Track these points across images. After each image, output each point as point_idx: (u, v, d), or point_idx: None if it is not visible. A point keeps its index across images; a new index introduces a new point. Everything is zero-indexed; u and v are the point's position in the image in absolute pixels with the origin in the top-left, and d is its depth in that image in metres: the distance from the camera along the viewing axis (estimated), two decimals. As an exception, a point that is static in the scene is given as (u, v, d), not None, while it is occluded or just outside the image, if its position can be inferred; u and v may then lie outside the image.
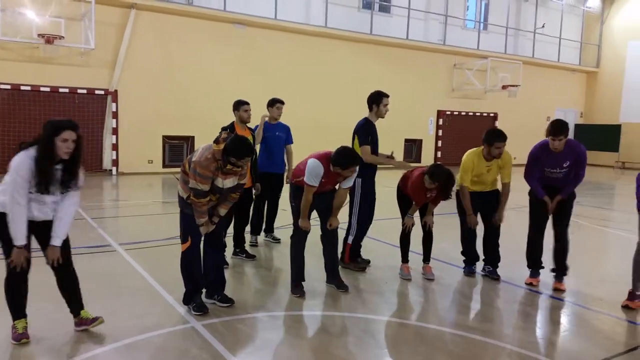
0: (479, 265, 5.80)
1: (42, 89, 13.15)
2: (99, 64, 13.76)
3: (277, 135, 6.60)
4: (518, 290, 5.30)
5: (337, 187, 4.94)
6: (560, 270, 5.33)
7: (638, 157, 21.96)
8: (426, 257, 5.67)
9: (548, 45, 23.00)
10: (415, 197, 5.29)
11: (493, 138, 5.26)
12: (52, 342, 3.72)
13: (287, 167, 6.79)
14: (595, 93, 24.57)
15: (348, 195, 5.17)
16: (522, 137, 21.75)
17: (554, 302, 5.02)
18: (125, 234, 7.25)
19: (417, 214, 5.56)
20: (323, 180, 4.66)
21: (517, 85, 20.30)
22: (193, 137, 15.20)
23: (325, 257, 5.13)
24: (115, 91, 14.00)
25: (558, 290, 5.23)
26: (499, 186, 5.63)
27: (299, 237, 4.94)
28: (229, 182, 4.21)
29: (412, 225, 5.50)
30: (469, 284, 5.56)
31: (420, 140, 19.99)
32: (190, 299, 4.37)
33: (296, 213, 4.88)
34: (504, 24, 21.66)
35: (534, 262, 5.45)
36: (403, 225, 5.52)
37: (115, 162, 14.17)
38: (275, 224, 7.02)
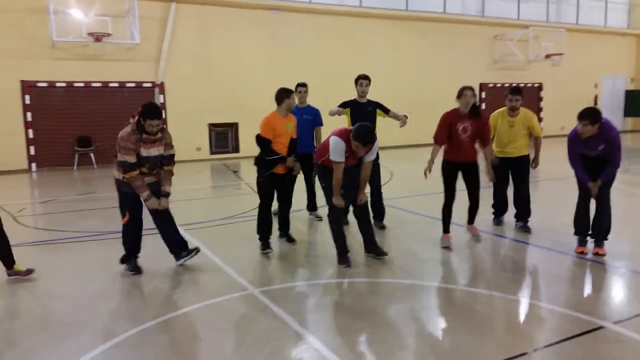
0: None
1: (93, 84, 13.85)
2: (144, 58, 14.31)
3: (304, 118, 6.76)
4: (560, 257, 5.39)
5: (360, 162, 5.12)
6: (599, 235, 5.31)
7: None
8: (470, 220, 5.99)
9: (593, 9, 22.13)
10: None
11: (509, 92, 6.08)
12: (135, 301, 4.13)
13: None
14: (647, 57, 23.53)
15: None
16: (569, 106, 21.26)
17: (596, 265, 5.09)
18: (183, 216, 7.67)
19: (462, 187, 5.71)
20: (346, 155, 4.85)
21: (561, 54, 19.72)
22: (237, 124, 15.66)
23: (361, 229, 5.38)
24: (162, 83, 14.57)
25: (598, 254, 5.24)
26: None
27: (336, 215, 5.16)
28: (154, 151, 4.78)
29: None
30: (507, 249, 5.69)
31: (463, 115, 19.77)
32: (127, 261, 5.01)
33: (329, 192, 5.08)
34: (545, -9, 20.99)
35: (580, 230, 5.44)
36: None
37: (166, 151, 14.77)
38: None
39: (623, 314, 3.90)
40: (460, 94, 5.58)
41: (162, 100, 14.60)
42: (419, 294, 4.40)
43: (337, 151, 4.81)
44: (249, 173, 11.90)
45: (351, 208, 5.45)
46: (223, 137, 15.73)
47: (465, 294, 4.39)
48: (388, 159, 14.02)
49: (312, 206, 7.21)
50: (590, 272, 4.96)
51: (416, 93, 17.99)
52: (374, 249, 5.32)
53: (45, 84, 13.45)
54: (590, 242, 5.40)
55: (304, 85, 7.08)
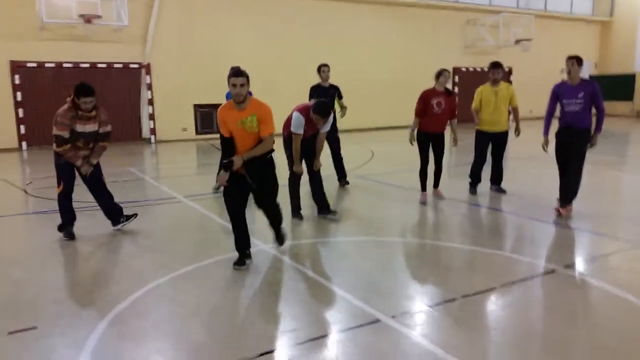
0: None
1: (81, 65, 14.17)
2: (131, 39, 14.67)
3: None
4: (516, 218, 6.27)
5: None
6: (566, 197, 6.08)
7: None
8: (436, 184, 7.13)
9: (560, -2, 23.19)
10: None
11: (490, 67, 7.16)
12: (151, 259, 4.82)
13: None
14: (609, 43, 24.76)
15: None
16: (537, 90, 22.40)
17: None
18: (182, 189, 8.30)
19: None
20: (305, 128, 5.69)
21: (530, 39, 20.71)
22: (221, 105, 16.14)
23: (314, 193, 6.23)
24: (148, 64, 14.96)
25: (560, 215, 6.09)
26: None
27: (294, 179, 6.11)
28: (89, 127, 5.29)
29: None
30: (478, 213, 6.57)
31: (437, 98, 20.67)
32: (62, 228, 5.53)
33: (290, 160, 5.96)
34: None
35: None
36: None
37: (153, 131, 15.25)
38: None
39: (569, 260, 4.77)
40: (440, 74, 6.74)
41: (148, 81, 15.00)
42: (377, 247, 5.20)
43: (297, 124, 5.66)
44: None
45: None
46: (208, 117, 16.21)
47: (429, 245, 5.20)
48: (369, 140, 14.89)
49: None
50: (536, 230, 5.84)
51: (393, 76, 18.75)
52: (325, 210, 6.19)
53: (34, 65, 13.73)
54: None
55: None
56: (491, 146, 7.38)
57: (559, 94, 6.09)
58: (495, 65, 7.10)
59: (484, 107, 7.19)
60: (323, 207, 6.24)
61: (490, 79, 7.16)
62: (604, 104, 6.00)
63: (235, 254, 4.58)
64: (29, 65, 13.68)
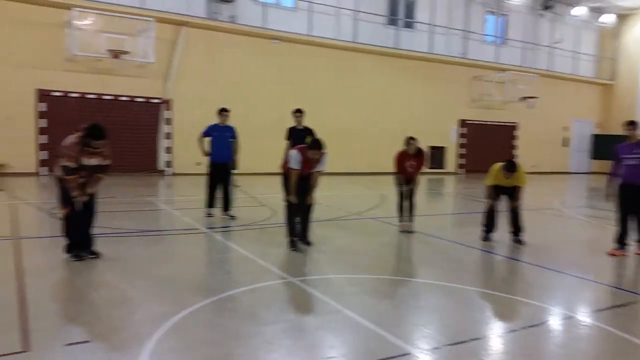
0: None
1: (105, 97, 14.70)
2: (154, 75, 15.27)
3: (225, 135, 8.88)
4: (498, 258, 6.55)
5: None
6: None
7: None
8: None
9: (564, 59, 24.12)
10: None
11: (505, 169, 7.33)
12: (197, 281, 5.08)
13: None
14: (611, 105, 25.57)
15: None
16: (541, 145, 23.10)
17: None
18: (202, 220, 8.60)
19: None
20: (302, 165, 6.41)
21: (535, 97, 21.44)
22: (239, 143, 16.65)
23: (301, 223, 6.85)
24: (169, 100, 15.51)
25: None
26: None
27: (290, 209, 6.73)
28: (94, 161, 5.60)
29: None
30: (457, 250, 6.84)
31: (444, 147, 21.24)
32: (69, 249, 5.78)
33: (286, 191, 6.64)
34: (521, 39, 22.86)
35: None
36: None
37: (169, 164, 15.65)
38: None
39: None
40: (408, 143, 7.93)
41: (167, 116, 15.52)
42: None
43: (295, 160, 6.43)
44: (252, 187, 12.91)
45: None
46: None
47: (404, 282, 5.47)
48: (379, 184, 15.28)
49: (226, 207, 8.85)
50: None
51: (400, 124, 19.28)
52: (305, 240, 6.88)
53: (59, 94, 14.25)
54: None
55: (227, 110, 9.03)
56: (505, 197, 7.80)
57: (619, 151, 7.08)
58: (511, 169, 7.28)
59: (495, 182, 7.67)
60: (303, 234, 6.89)
61: (503, 175, 7.38)
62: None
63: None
64: (54, 94, 14.19)
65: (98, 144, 5.45)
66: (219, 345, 3.73)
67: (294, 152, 6.48)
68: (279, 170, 6.91)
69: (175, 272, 5.61)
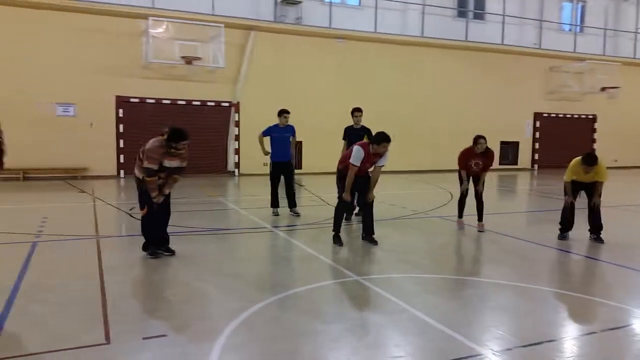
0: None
1: (178, 102, 15.37)
2: (224, 79, 15.77)
3: (285, 136, 9.11)
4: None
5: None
6: None
7: None
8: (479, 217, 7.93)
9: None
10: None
11: (584, 163, 6.92)
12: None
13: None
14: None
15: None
16: (623, 138, 21.59)
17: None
18: (268, 219, 8.79)
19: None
20: (364, 161, 6.44)
21: (616, 87, 20.11)
22: (301, 142, 16.85)
23: (364, 220, 6.93)
24: (238, 103, 15.98)
25: None
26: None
27: (341, 205, 6.82)
28: (175, 163, 5.79)
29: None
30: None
31: (517, 143, 20.40)
32: (147, 248, 6.04)
33: (341, 189, 6.67)
34: (602, 26, 21.50)
35: None
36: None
37: (237, 165, 16.13)
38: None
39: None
40: (476, 142, 7.71)
41: (236, 119, 15.98)
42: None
43: (356, 157, 6.44)
44: (316, 186, 13.04)
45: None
46: (289, 154, 16.92)
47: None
48: (447, 182, 14.93)
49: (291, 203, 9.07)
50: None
51: (470, 120, 18.71)
52: (369, 237, 6.87)
53: (136, 100, 15.05)
54: None
55: (288, 111, 9.21)
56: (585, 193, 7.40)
57: None
58: (591, 163, 6.88)
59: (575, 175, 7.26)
60: (369, 233, 6.90)
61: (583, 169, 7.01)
62: None
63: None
64: (132, 100, 15.01)
65: (181, 145, 5.67)
66: (286, 341, 3.81)
67: (357, 148, 6.46)
68: (337, 169, 6.91)
69: (243, 269, 5.79)
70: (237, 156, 16.17)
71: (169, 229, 6.30)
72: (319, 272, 5.69)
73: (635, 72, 21.64)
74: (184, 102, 15.42)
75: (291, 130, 9.22)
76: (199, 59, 14.71)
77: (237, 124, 16.06)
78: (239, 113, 16.06)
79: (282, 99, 16.33)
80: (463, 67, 19.00)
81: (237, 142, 16.09)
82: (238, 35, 15.83)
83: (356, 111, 9.01)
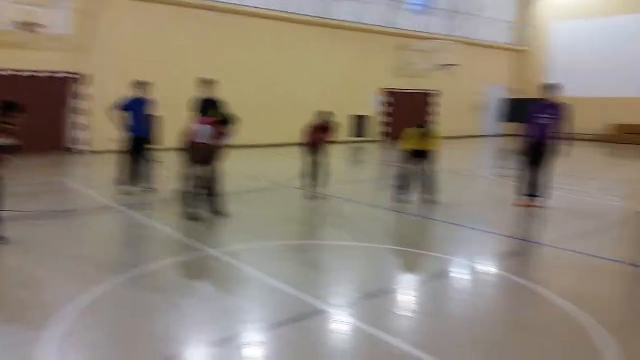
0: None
1: (19, 73, 13.74)
2: (70, 48, 14.40)
3: (143, 109, 8.77)
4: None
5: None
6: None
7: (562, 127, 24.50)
8: None
9: (484, 27, 25.02)
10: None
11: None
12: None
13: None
14: (524, 70, 26.94)
15: None
16: (460, 111, 24.15)
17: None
18: (118, 198, 8.39)
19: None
20: (210, 138, 6.53)
21: (456, 65, 22.16)
22: (160, 117, 16.17)
23: (209, 194, 6.93)
24: (89, 75, 14.76)
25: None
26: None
27: (190, 181, 6.80)
28: (9, 141, 5.44)
29: None
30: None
31: (367, 117, 21.67)
32: None
33: (188, 164, 6.75)
34: (446, 7, 23.48)
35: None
36: None
37: (86, 141, 15.00)
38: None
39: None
40: (321, 117, 8.46)
41: (85, 91, 14.79)
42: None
43: (204, 135, 6.57)
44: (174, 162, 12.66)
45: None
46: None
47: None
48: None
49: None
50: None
51: (324, 94, 19.31)
52: (219, 211, 6.94)
53: (-38, 70, 13.18)
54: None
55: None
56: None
57: (533, 111, 8.05)
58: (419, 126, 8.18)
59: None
60: (218, 206, 6.96)
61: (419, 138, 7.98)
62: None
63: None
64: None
65: (13, 117, 5.21)
66: (135, 320, 3.78)
67: (203, 127, 6.57)
68: (182, 142, 6.87)
69: (88, 251, 5.53)
70: (86, 132, 14.99)
71: (3, 214, 5.75)
72: (169, 249, 5.67)
73: (473, 51, 24.00)
74: (23, 73, 13.82)
75: (150, 103, 8.90)
76: (40, 25, 13.19)
77: (86, 98, 14.85)
78: (89, 85, 14.84)
79: (140, 71, 15.42)
80: (321, 44, 19.53)
81: (84, 117, 14.90)
82: (89, 0, 14.56)
83: (206, 81, 8.91)
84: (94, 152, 15.09)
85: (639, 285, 4.87)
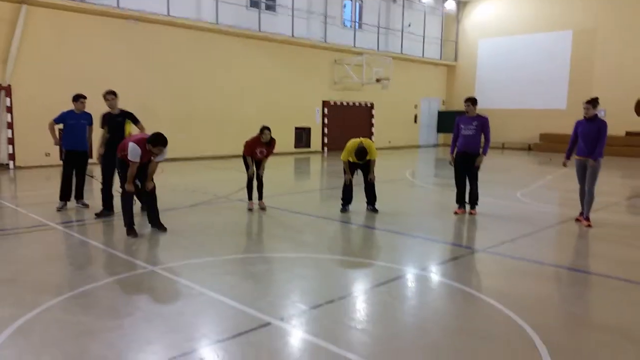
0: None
1: None
2: (-12, 59, 13.64)
3: (81, 123, 8.56)
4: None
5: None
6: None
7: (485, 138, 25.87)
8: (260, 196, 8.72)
9: (414, 42, 26.02)
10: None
11: (355, 154, 8.11)
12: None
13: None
14: (453, 84, 28.23)
15: None
16: (395, 123, 24.97)
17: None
18: (53, 215, 8.01)
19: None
20: (141, 156, 6.46)
21: (388, 79, 22.88)
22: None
23: (148, 209, 7.03)
24: (9, 86, 13.99)
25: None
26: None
27: (126, 196, 6.71)
28: None
29: None
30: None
31: (309, 129, 21.89)
32: None
33: (123, 179, 6.74)
34: (376, 24, 24.18)
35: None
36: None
37: (12, 157, 14.17)
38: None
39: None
40: (262, 132, 8.36)
41: (8, 104, 14.00)
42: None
43: (134, 154, 6.41)
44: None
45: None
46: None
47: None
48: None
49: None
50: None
51: (264, 107, 19.48)
52: (157, 224, 6.94)
53: None
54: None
55: (84, 97, 8.71)
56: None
57: (459, 123, 8.27)
58: (360, 156, 8.09)
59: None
60: (155, 222, 6.95)
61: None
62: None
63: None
64: None
65: None
66: (72, 343, 3.62)
67: (133, 147, 6.40)
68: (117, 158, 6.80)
69: (19, 273, 5.21)
70: (10, 147, 14.18)
71: None
72: (109, 267, 5.48)
73: (403, 65, 24.89)
74: None
75: (88, 117, 8.63)
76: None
77: (10, 110, 14.06)
78: (10, 97, 14.06)
79: (67, 83, 14.82)
80: (257, 57, 19.55)
81: (9, 131, 14.09)
82: (5, 8, 13.82)
83: (109, 94, 8.00)
84: (24, 168, 14.31)
85: (571, 287, 5.22)
